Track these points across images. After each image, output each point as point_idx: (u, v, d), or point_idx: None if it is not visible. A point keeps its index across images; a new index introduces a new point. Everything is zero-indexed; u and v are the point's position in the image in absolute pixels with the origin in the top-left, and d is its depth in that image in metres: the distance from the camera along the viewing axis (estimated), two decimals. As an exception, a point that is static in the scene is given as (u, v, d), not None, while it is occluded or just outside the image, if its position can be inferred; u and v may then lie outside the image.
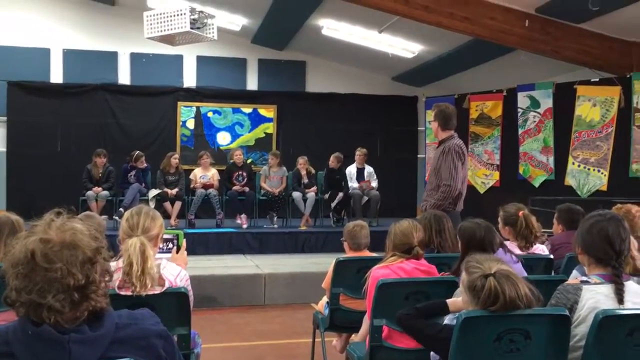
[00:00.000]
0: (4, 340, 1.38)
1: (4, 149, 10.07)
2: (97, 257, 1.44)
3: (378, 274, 3.09)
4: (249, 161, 9.81)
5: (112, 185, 8.79)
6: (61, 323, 1.38)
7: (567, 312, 2.21)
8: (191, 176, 9.07)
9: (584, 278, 2.43)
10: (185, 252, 3.08)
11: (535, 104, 8.92)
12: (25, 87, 10.09)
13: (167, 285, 2.53)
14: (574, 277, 3.14)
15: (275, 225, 8.96)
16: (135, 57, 10.55)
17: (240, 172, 9.11)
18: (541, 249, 3.89)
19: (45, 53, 10.25)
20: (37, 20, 10.22)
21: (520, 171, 9.13)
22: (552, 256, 3.82)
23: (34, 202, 9.03)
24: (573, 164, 8.36)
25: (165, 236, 2.94)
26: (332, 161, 9.23)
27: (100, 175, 8.78)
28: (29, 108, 10.04)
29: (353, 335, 3.83)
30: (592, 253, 2.44)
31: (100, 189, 8.63)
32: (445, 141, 4.95)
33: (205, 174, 9.01)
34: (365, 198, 9.23)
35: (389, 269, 3.13)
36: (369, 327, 3.02)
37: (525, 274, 3.20)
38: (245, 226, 8.79)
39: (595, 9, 6.48)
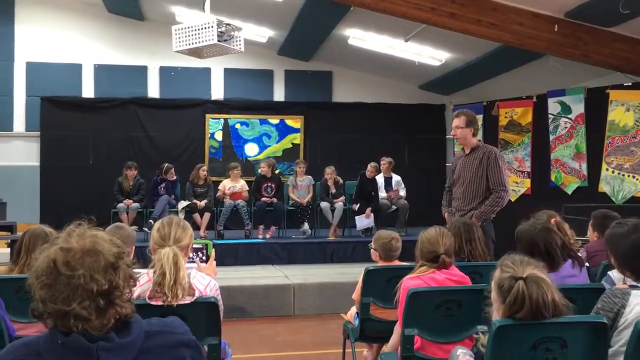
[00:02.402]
0: (35, 351, 1.39)
1: (38, 163, 10.28)
2: (119, 262, 1.45)
3: (409, 284, 3.05)
4: (277, 172, 9.83)
5: (142, 198, 8.91)
6: (89, 331, 1.38)
7: (604, 320, 2.15)
8: (220, 186, 9.11)
9: (633, 282, 2.36)
10: (215, 262, 3.09)
11: (566, 109, 8.77)
12: (57, 102, 10.31)
13: (197, 295, 2.53)
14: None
15: (306, 235, 8.90)
16: (164, 71, 10.71)
17: (269, 184, 9.13)
18: (575, 256, 3.79)
19: (77, 68, 10.46)
20: (68, 37, 10.45)
21: (552, 178, 8.96)
22: (587, 264, 3.73)
23: (66, 214, 8.97)
24: (607, 170, 8.17)
25: (195, 246, 2.95)
26: (370, 170, 9.02)
27: (130, 187, 8.92)
28: (61, 123, 10.24)
29: (384, 346, 3.78)
30: (631, 270, 2.38)
31: (130, 201, 8.77)
32: (479, 148, 4.90)
33: (234, 185, 9.05)
34: (393, 207, 9.14)
35: (421, 279, 3.09)
36: (400, 337, 2.98)
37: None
38: (268, 236, 8.77)
39: (626, 12, 6.35)
